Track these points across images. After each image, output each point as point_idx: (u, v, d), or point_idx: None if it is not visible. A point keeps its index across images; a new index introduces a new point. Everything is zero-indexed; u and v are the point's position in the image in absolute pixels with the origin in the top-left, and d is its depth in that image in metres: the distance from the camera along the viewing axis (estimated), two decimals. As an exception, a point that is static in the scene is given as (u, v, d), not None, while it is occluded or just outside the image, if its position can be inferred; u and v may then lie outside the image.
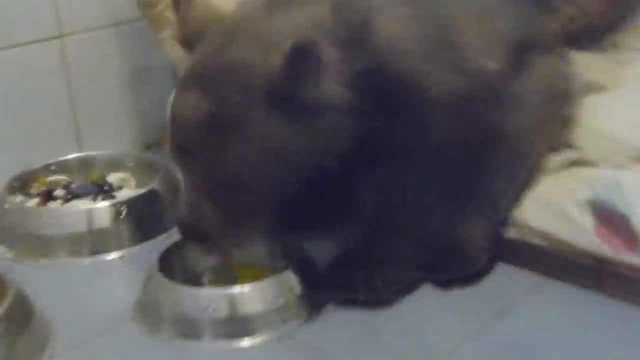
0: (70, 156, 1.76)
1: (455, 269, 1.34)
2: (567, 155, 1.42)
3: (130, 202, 1.55)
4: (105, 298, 1.37)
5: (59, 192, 1.66)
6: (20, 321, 1.20)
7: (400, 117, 1.24)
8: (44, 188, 1.67)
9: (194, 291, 1.24)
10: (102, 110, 1.88)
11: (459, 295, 1.31)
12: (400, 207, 1.32)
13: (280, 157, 1.18)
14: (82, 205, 1.60)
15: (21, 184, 1.66)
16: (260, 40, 1.17)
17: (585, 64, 1.74)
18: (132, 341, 1.23)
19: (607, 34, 1.89)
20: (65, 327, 1.27)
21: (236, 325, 1.21)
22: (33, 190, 1.66)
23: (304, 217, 1.36)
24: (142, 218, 1.55)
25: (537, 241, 1.36)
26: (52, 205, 1.61)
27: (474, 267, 1.34)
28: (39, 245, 1.50)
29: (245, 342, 1.20)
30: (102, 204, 1.55)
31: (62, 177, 1.71)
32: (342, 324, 1.24)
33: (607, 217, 1.29)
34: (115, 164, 1.75)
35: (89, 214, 1.52)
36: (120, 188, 1.69)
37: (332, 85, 1.16)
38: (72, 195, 1.64)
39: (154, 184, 1.59)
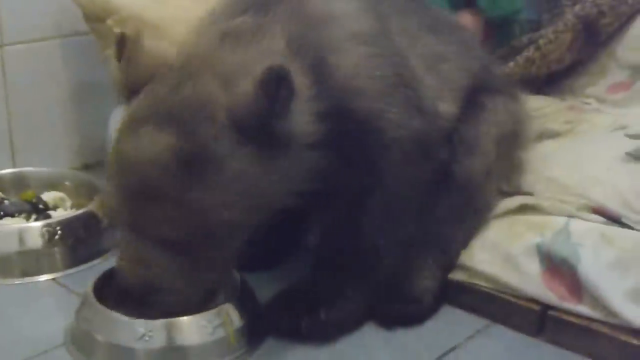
0: (4, 171, 1.77)
1: (400, 309, 1.39)
2: (517, 200, 1.48)
3: (66, 223, 1.57)
4: (35, 322, 1.39)
5: None
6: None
7: (355, 156, 1.29)
8: (-26, 204, 1.67)
9: (129, 320, 1.25)
10: (40, 126, 1.90)
11: (402, 335, 1.36)
12: (349, 246, 1.36)
13: (248, 194, 1.17)
14: (15, 223, 1.61)
15: (-50, 199, 1.67)
16: (218, 75, 1.17)
17: (541, 108, 1.85)
18: (63, 368, 1.26)
19: (565, 79, 2.02)
20: None
21: (172, 356, 1.24)
22: (-37, 206, 1.67)
23: (249, 253, 1.32)
24: (77, 241, 1.57)
25: (483, 285, 1.42)
26: None
27: (418, 308, 1.40)
28: (-34, 264, 1.51)
29: (181, 375, 1.24)
30: (36, 224, 1.56)
31: (-6, 193, 1.72)
32: (282, 359, 1.29)
33: (554, 264, 1.36)
34: (51, 183, 1.76)
35: (21, 233, 1.54)
36: (55, 208, 1.71)
37: (300, 117, 1.18)
38: (4, 212, 1.65)
39: (92, 206, 1.61)
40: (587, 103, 1.92)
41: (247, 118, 1.13)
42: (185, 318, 1.25)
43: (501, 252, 1.41)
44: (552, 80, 1.99)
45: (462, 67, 1.51)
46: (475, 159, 1.46)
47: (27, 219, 1.65)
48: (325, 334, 1.33)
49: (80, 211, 1.60)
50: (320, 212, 1.39)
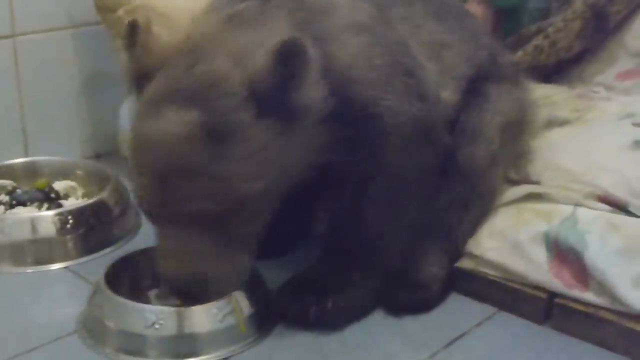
0: (17, 161, 1.79)
1: (408, 296, 1.40)
2: (524, 188, 1.49)
3: (77, 212, 1.58)
4: (48, 310, 1.40)
5: (2, 197, 1.69)
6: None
7: (356, 142, 1.30)
8: (-14, 193, 1.70)
9: (140, 307, 1.27)
10: (52, 115, 1.92)
11: (410, 323, 1.37)
12: (355, 233, 1.37)
13: (271, 165, 1.19)
14: (27, 212, 1.63)
15: (-37, 187, 1.69)
16: (230, 53, 1.20)
17: (549, 96, 1.85)
18: (74, 355, 1.27)
19: (574, 67, 2.01)
20: (4, 338, 1.30)
21: (183, 343, 1.25)
22: (-24, 195, 1.69)
23: (260, 240, 1.35)
24: (89, 229, 1.58)
25: (490, 272, 1.43)
26: None
27: (426, 296, 1.41)
28: (-21, 252, 1.53)
29: (192, 361, 1.26)
30: (48, 213, 1.58)
31: (6, 182, 1.74)
32: (291, 346, 1.30)
33: (561, 252, 1.36)
34: (63, 172, 1.78)
35: (34, 222, 1.55)
36: (67, 197, 1.72)
37: (313, 90, 1.21)
38: (17, 201, 1.67)
39: (103, 195, 1.63)
40: (595, 91, 1.91)
41: (266, 89, 1.16)
42: (196, 305, 1.26)
43: (508, 239, 1.42)
44: (561, 69, 1.98)
45: (466, 55, 1.51)
46: (478, 147, 1.47)
47: (39, 207, 1.66)
48: (333, 322, 1.34)
49: (92, 200, 1.62)
50: (327, 200, 1.40)
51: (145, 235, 1.63)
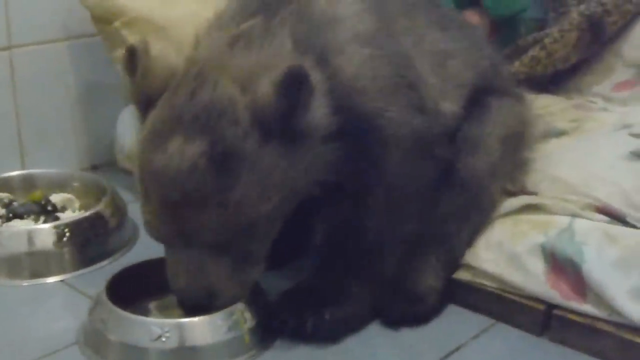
0: (13, 173, 1.79)
1: (405, 308, 1.41)
2: (521, 199, 1.49)
3: (74, 225, 1.59)
4: (45, 322, 1.40)
5: None
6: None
7: (357, 153, 1.31)
8: (-18, 205, 1.70)
9: (145, 320, 1.28)
10: (49, 127, 1.92)
11: (407, 335, 1.37)
12: (353, 245, 1.38)
13: (279, 187, 1.21)
14: (24, 225, 1.63)
15: (-41, 200, 1.69)
16: (234, 79, 1.21)
17: (547, 107, 1.86)
18: (73, 368, 1.28)
19: (571, 78, 2.03)
20: (1, 352, 1.30)
21: (187, 355, 1.26)
22: (-28, 208, 1.69)
23: None
24: (86, 241, 1.59)
25: (487, 284, 1.43)
26: None
27: (423, 307, 1.41)
28: (-25, 266, 1.54)
29: (195, 374, 1.26)
30: (45, 225, 1.59)
31: (3, 195, 1.74)
32: (289, 359, 1.31)
33: (558, 263, 1.37)
34: (60, 184, 1.79)
35: (30, 234, 1.56)
36: (64, 209, 1.73)
37: (318, 113, 1.23)
38: (13, 214, 1.67)
39: (100, 207, 1.63)
40: (592, 102, 1.93)
41: (270, 117, 1.18)
42: (200, 318, 1.27)
43: (505, 251, 1.42)
44: (558, 79, 2.01)
45: (469, 65, 1.52)
46: (479, 158, 1.47)
47: (36, 220, 1.67)
48: (330, 334, 1.34)
49: (89, 212, 1.62)
50: (325, 212, 1.41)
51: (142, 247, 1.64)
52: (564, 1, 2.03)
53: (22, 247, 1.54)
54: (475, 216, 1.48)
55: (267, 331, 1.34)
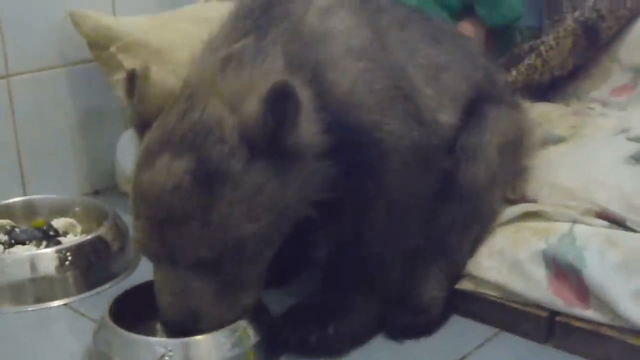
0: (15, 200, 1.81)
1: (409, 320, 1.41)
2: (522, 207, 1.50)
3: (76, 249, 1.60)
4: (50, 347, 1.42)
5: (1, 237, 1.70)
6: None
7: (356, 167, 1.31)
8: (-16, 233, 1.71)
9: (149, 340, 1.29)
10: (49, 153, 1.93)
11: (411, 347, 1.38)
12: (356, 259, 1.38)
13: (269, 206, 1.21)
14: (26, 251, 1.64)
15: (-38, 228, 1.71)
16: (222, 99, 1.22)
17: (545, 114, 1.87)
18: (80, 392, 1.30)
19: (568, 84, 2.04)
20: None
21: (192, 374, 1.27)
22: (-26, 235, 1.71)
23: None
24: (88, 265, 1.60)
25: (490, 293, 1.44)
26: None
27: (427, 319, 1.42)
28: (-21, 292, 1.55)
29: (198, 393, 1.27)
30: (47, 251, 1.60)
31: (5, 222, 1.76)
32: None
33: (560, 269, 1.37)
34: (61, 209, 1.80)
35: (33, 260, 1.57)
36: (66, 234, 1.74)
37: (307, 129, 1.22)
38: (15, 240, 1.69)
39: (101, 231, 1.65)
40: (591, 107, 1.94)
41: (257, 135, 1.18)
42: (204, 336, 1.28)
43: (507, 259, 1.43)
44: (555, 86, 2.02)
45: (464, 76, 1.53)
46: (478, 168, 1.48)
47: (38, 246, 1.68)
48: (334, 348, 1.35)
49: (90, 236, 1.63)
50: (326, 226, 1.41)
51: (144, 270, 1.63)
52: (559, 8, 2.05)
53: (25, 273, 1.55)
54: (477, 226, 1.49)
55: (271, 347, 1.34)
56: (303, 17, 1.33)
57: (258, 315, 1.35)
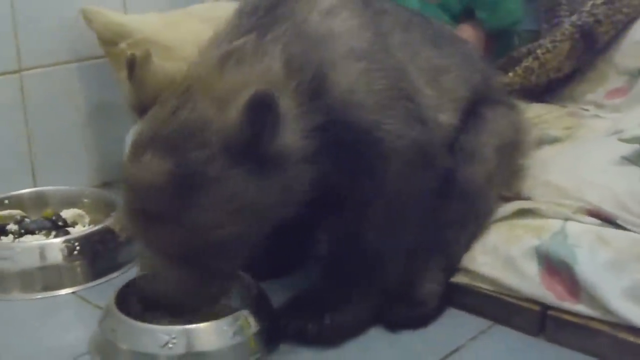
0: (25, 191, 1.82)
1: (406, 313, 1.43)
2: (516, 205, 1.51)
3: (84, 239, 1.61)
4: (57, 334, 1.43)
5: (12, 226, 1.71)
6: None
7: (356, 168, 1.32)
8: (-4, 222, 1.73)
9: (153, 328, 1.30)
10: (59, 146, 1.95)
11: (407, 338, 1.39)
12: (354, 254, 1.39)
13: (244, 211, 1.21)
14: (36, 240, 1.65)
15: (-27, 218, 1.72)
16: (213, 98, 1.21)
17: (541, 115, 1.88)
18: (85, 376, 1.31)
19: (564, 86, 2.04)
20: None
21: (195, 360, 1.29)
22: (-16, 225, 1.72)
23: (262, 263, 1.41)
24: (95, 255, 1.61)
25: (485, 287, 1.45)
26: (5, 239, 1.67)
27: (424, 311, 1.43)
28: (-10, 280, 1.56)
29: (202, 379, 1.28)
30: (56, 240, 1.61)
31: (15, 212, 1.77)
32: (294, 360, 1.34)
33: (552, 265, 1.39)
34: (70, 200, 1.81)
35: (42, 249, 1.58)
36: (74, 224, 1.75)
37: (290, 136, 1.22)
38: (25, 230, 1.70)
39: (109, 221, 1.66)
40: (586, 109, 1.95)
41: (236, 143, 1.18)
42: (206, 324, 1.30)
43: (501, 255, 1.44)
44: (552, 88, 2.02)
45: (463, 79, 1.54)
46: (476, 167, 1.49)
47: (47, 235, 1.69)
48: (331, 338, 1.36)
49: (98, 227, 1.65)
50: (327, 223, 1.42)
51: (150, 260, 1.66)
52: (557, 13, 2.06)
53: (34, 262, 1.57)
54: (473, 223, 1.50)
55: (271, 336, 1.36)
56: (306, 18, 1.33)
57: (259, 305, 1.37)
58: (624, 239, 1.38)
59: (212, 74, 1.25)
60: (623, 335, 1.31)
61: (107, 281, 1.60)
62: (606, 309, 1.32)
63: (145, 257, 1.29)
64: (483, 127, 1.52)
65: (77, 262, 1.59)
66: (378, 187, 1.35)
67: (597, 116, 1.89)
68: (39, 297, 1.55)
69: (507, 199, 1.54)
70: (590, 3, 1.93)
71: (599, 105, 1.95)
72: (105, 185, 2.05)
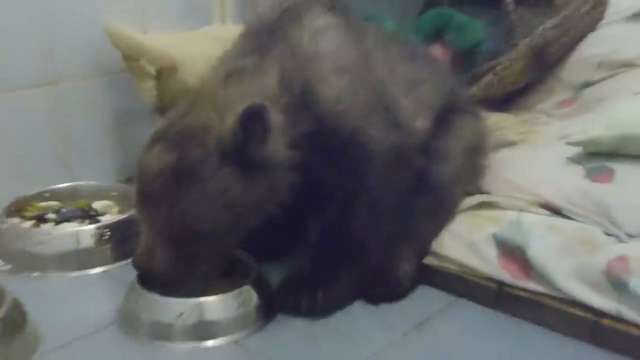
0: (62, 185, 1.82)
1: (384, 290, 1.44)
2: (477, 198, 1.54)
3: (113, 226, 1.62)
4: (89, 306, 1.44)
5: (50, 215, 1.72)
6: (15, 325, 1.27)
7: (342, 168, 1.34)
8: (37, 212, 1.72)
9: (168, 300, 1.32)
10: (90, 147, 1.94)
11: (385, 310, 1.41)
12: (342, 240, 1.40)
13: (231, 206, 1.23)
14: (71, 227, 1.66)
15: (18, 208, 1.72)
16: (215, 107, 1.25)
17: (499, 122, 1.89)
18: (113, 342, 1.32)
19: (519, 98, 2.06)
20: (53, 330, 1.34)
21: (203, 329, 1.30)
22: (28, 214, 1.71)
23: (261, 246, 1.43)
24: (122, 239, 1.62)
25: (451, 267, 1.47)
26: (45, 226, 1.67)
27: (400, 288, 1.45)
28: (32, 260, 1.57)
29: (210, 343, 1.30)
30: (88, 227, 1.62)
31: (54, 203, 1.77)
32: (288, 331, 1.35)
33: (508, 249, 1.41)
34: (100, 193, 1.82)
35: (77, 235, 1.59)
36: (104, 214, 1.75)
37: (277, 145, 1.24)
38: (63, 218, 1.70)
39: (134, 211, 1.64)
40: (537, 117, 1.96)
41: (230, 146, 1.21)
42: (215, 297, 1.32)
43: (465, 240, 1.46)
44: (508, 99, 2.04)
45: (435, 91, 1.54)
46: (445, 167, 1.50)
47: (81, 223, 1.69)
48: (322, 311, 1.38)
49: (124, 215, 1.66)
50: (318, 212, 1.43)
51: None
52: (513, 35, 2.07)
53: (70, 245, 1.58)
54: (442, 214, 1.52)
55: (269, 308, 1.38)
56: (298, 40, 1.34)
57: (259, 282, 1.39)
58: (570, 227, 1.40)
59: (218, 87, 1.28)
60: (567, 308, 1.33)
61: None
62: (554, 287, 1.34)
63: (142, 235, 1.29)
64: (452, 133, 1.53)
65: (107, 246, 1.60)
66: (362, 184, 1.36)
67: (547, 123, 1.91)
68: (74, 275, 1.56)
69: (471, 194, 1.56)
70: (541, 27, 1.94)
71: (549, 114, 1.96)
72: (130, 180, 2.03)
